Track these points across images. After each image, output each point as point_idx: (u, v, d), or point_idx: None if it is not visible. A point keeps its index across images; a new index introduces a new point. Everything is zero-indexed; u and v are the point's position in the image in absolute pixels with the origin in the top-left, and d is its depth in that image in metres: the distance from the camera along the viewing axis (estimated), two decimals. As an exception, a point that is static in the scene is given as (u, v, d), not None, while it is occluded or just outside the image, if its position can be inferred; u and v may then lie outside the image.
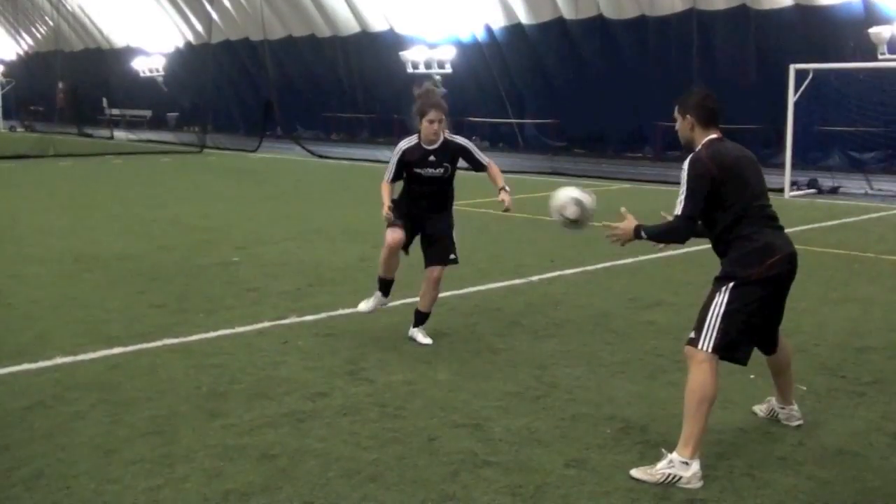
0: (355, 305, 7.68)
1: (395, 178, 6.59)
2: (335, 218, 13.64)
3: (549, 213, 5.27)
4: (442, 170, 6.53)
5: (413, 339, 6.66)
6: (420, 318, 6.70)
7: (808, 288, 8.10)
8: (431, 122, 6.41)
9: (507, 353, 6.39)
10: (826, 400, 5.44)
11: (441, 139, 6.50)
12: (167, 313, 7.46)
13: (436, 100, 6.52)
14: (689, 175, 4.38)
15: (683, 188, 4.39)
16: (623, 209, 4.80)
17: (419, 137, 6.53)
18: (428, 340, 6.61)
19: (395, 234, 6.43)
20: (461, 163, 6.60)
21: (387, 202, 6.45)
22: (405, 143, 6.56)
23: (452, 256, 6.65)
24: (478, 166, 6.68)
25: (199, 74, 37.10)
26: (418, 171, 6.50)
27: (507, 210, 6.55)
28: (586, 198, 5.17)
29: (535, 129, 30.18)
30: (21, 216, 13.52)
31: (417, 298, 6.71)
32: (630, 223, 4.67)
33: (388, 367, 6.05)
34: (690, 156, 4.44)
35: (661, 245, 4.92)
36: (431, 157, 6.50)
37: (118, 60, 45.37)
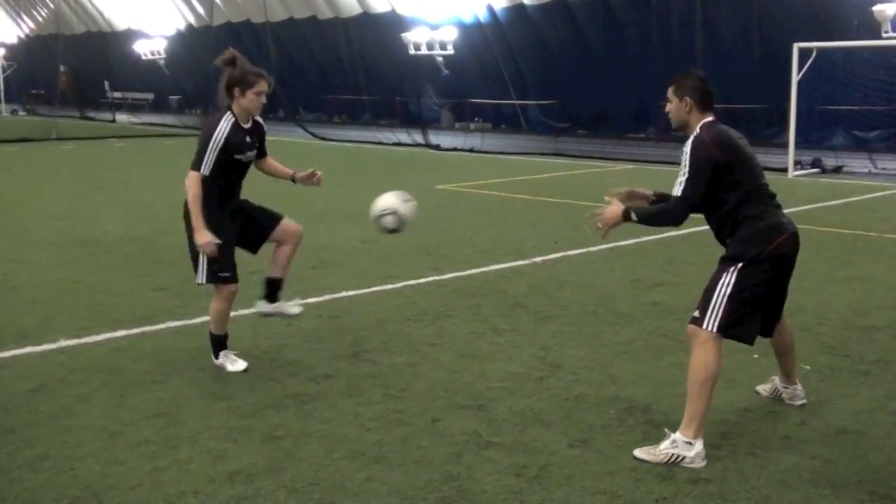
0: (358, 287, 7.73)
1: (214, 171, 5.34)
2: (337, 200, 13.63)
3: (370, 215, 5.13)
4: (254, 152, 5.59)
5: (279, 314, 5.88)
6: (276, 288, 5.84)
7: (812, 267, 8.09)
8: (260, 93, 5.35)
9: (511, 335, 6.39)
10: (829, 379, 5.44)
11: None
12: (170, 296, 7.46)
13: (259, 67, 5.45)
14: (692, 158, 4.30)
15: (685, 170, 4.31)
16: (608, 195, 4.71)
17: (234, 115, 5.38)
18: (298, 309, 5.90)
19: (233, 287, 5.55)
20: None
21: (202, 219, 5.25)
22: (225, 124, 5.32)
23: (278, 213, 5.83)
24: (263, 153, 5.76)
25: (201, 57, 36.98)
26: (239, 156, 5.44)
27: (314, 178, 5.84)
28: (404, 208, 5.07)
29: (537, 111, 30.10)
30: (24, 200, 13.52)
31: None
32: (617, 206, 4.55)
33: (392, 348, 6.06)
34: (692, 138, 4.37)
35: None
36: (248, 139, 5.48)
37: (119, 43, 45.25)
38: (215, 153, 5.31)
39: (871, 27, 19.36)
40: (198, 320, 6.70)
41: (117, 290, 7.70)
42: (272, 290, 5.87)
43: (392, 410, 4.90)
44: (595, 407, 4.96)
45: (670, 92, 4.53)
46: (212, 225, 5.31)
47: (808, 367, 5.51)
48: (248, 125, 5.48)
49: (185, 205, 5.38)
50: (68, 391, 5.18)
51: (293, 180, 5.94)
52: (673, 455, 4.20)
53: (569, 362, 5.75)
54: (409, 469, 4.16)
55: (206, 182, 5.32)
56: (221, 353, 5.62)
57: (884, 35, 18.51)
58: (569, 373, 5.54)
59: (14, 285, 7.90)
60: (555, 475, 4.10)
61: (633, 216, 4.49)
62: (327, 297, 7.46)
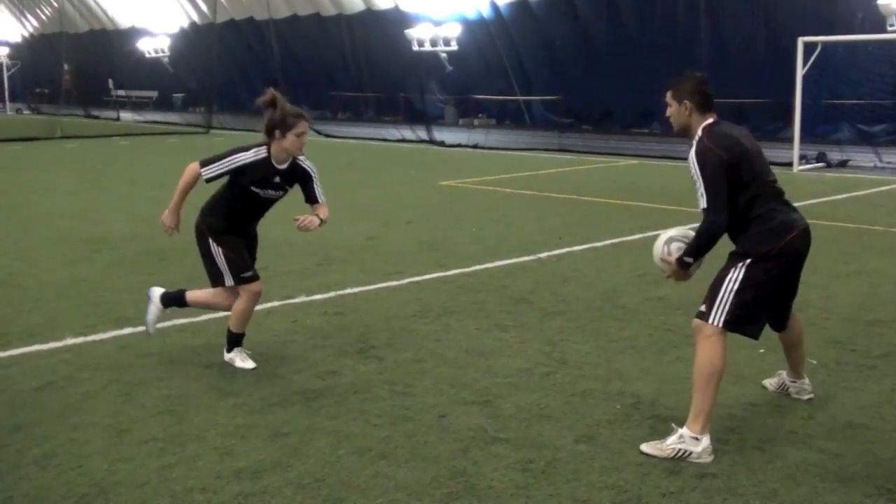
0: (364, 284, 7.73)
1: (212, 180, 5.53)
2: (342, 197, 13.62)
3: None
4: (282, 192, 5.61)
5: (234, 365, 5.60)
6: (236, 340, 5.66)
7: (818, 262, 8.06)
8: (300, 135, 5.38)
9: (516, 330, 6.39)
10: (836, 373, 5.43)
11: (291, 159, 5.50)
12: (176, 294, 7.46)
13: (301, 109, 5.52)
14: (701, 168, 4.25)
15: (700, 182, 4.24)
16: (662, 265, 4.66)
17: (268, 152, 5.43)
18: (251, 364, 5.57)
19: (259, 286, 5.59)
20: None
21: (177, 204, 5.61)
22: (251, 156, 5.43)
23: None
24: (312, 199, 5.75)
25: (205, 55, 36.99)
26: (256, 190, 5.49)
27: (304, 228, 5.60)
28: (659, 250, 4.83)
29: (541, 106, 30.07)
30: (29, 198, 13.54)
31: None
32: (671, 260, 4.51)
33: (397, 345, 6.06)
34: (695, 146, 4.33)
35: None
36: (277, 179, 5.50)
37: (123, 41, 45.32)
38: (225, 168, 5.49)
39: (877, 21, 19.33)
40: (203, 318, 6.70)
41: (123, 287, 7.71)
42: (232, 339, 5.70)
43: (398, 406, 4.90)
44: (601, 402, 4.96)
45: (669, 96, 4.50)
46: (229, 231, 5.60)
47: (815, 362, 5.50)
48: (282, 166, 5.50)
49: (197, 225, 5.67)
50: (75, 389, 5.19)
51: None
52: (680, 450, 4.20)
53: (574, 358, 5.75)
54: (415, 465, 4.16)
55: (227, 202, 5.64)
56: (235, 349, 5.64)
57: (889, 29, 18.50)
58: (574, 368, 5.54)
59: (20, 284, 7.91)
60: (561, 470, 4.10)
61: (687, 259, 4.41)
62: (332, 293, 7.46)
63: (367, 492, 3.90)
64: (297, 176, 5.62)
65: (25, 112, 42.05)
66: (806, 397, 4.96)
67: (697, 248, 4.38)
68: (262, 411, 4.84)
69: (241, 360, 5.61)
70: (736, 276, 4.29)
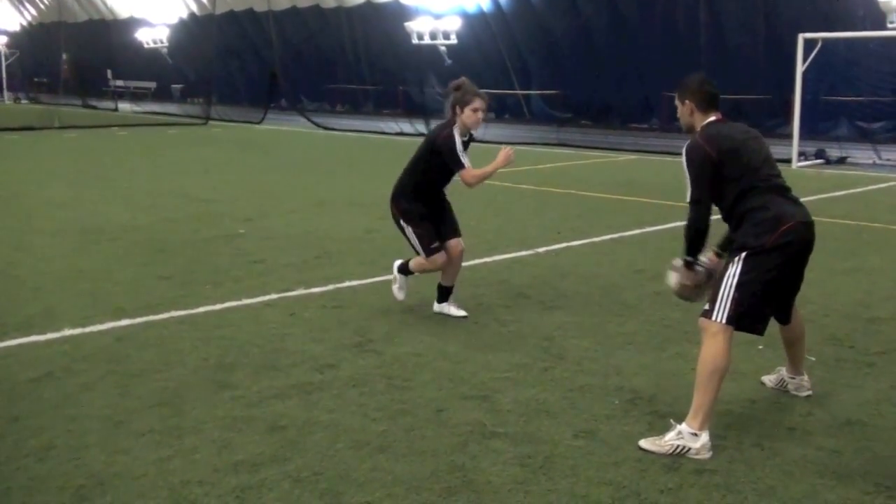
0: (362, 277, 7.72)
1: (433, 168, 6.39)
2: (341, 190, 13.62)
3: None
4: (467, 160, 6.38)
5: (445, 314, 6.58)
6: (447, 293, 6.63)
7: (817, 258, 8.00)
8: (476, 110, 6.26)
9: (515, 325, 6.39)
10: (835, 370, 5.43)
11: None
12: (174, 285, 7.46)
13: (478, 89, 6.38)
14: (688, 163, 4.49)
15: (687, 175, 4.48)
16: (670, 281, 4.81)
17: (453, 127, 6.30)
18: (463, 312, 6.56)
19: (443, 257, 6.39)
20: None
21: (490, 168, 6.24)
22: (457, 133, 6.28)
23: (458, 229, 6.60)
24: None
25: (204, 46, 36.94)
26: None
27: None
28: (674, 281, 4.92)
29: (541, 101, 30.03)
30: (26, 188, 13.52)
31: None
32: (675, 277, 4.76)
33: (396, 338, 6.05)
34: (687, 143, 4.55)
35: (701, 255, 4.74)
36: (462, 149, 6.35)
37: (122, 31, 45.17)
38: (461, 152, 6.25)
39: (877, 18, 19.29)
40: (201, 310, 6.70)
41: (121, 279, 7.69)
42: (442, 293, 6.66)
43: (396, 400, 4.89)
44: (600, 397, 4.95)
45: (676, 97, 4.71)
46: (417, 208, 6.42)
47: (814, 359, 5.50)
48: (464, 138, 6.36)
49: (391, 209, 6.51)
50: (73, 380, 5.18)
51: None
52: (678, 446, 4.19)
53: (573, 353, 5.74)
54: (413, 459, 4.15)
55: (421, 177, 6.42)
56: (445, 302, 6.61)
57: (889, 26, 18.45)
58: (573, 363, 5.54)
59: (17, 274, 7.90)
60: (560, 466, 4.09)
61: (688, 257, 4.66)
62: (331, 286, 7.45)
63: (365, 485, 3.89)
64: (469, 142, 6.46)
65: (24, 101, 41.93)
66: (805, 394, 4.96)
67: (687, 244, 4.62)
68: (260, 404, 4.83)
69: (455, 309, 6.57)
70: (734, 271, 4.30)
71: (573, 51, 27.72)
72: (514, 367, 5.46)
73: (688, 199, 4.49)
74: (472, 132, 6.46)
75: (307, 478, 3.96)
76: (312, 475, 3.98)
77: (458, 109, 6.31)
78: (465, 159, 6.24)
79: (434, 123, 26.43)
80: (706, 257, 4.74)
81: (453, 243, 6.48)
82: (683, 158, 4.51)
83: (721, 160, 4.38)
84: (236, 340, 5.95)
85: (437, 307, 6.65)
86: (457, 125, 6.32)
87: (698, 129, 4.55)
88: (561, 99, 28.89)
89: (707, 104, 4.58)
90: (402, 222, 6.46)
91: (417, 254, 6.50)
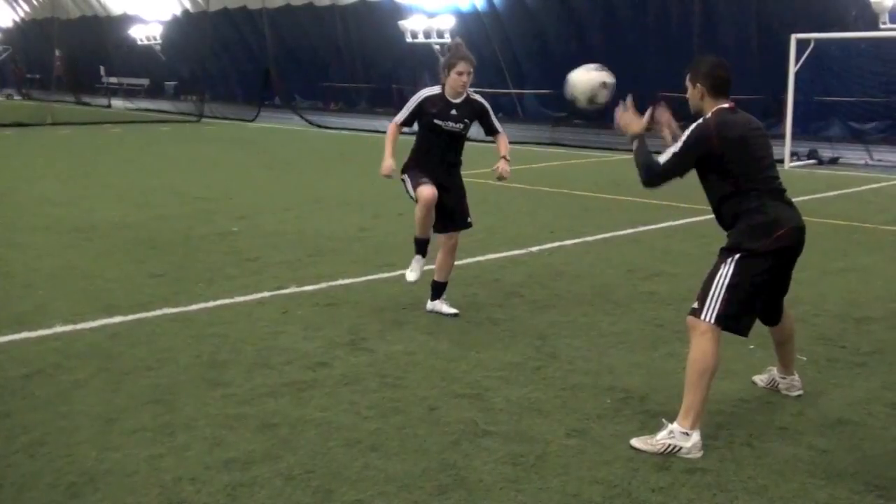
0: (355, 275, 7.72)
1: (406, 122, 6.50)
2: (334, 188, 13.61)
3: (573, 95, 5.16)
4: (462, 125, 6.45)
5: (436, 312, 6.57)
6: (439, 290, 6.63)
7: (808, 258, 8.04)
8: (460, 73, 6.33)
9: (507, 324, 6.39)
10: (826, 370, 5.45)
11: (465, 95, 6.45)
12: (167, 283, 7.45)
13: (465, 52, 6.43)
14: (689, 134, 4.38)
15: (679, 143, 4.41)
16: (629, 104, 4.87)
17: (443, 89, 6.45)
18: (454, 310, 6.56)
19: (429, 190, 6.31)
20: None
21: (389, 150, 6.42)
22: (427, 91, 6.49)
23: (469, 220, 6.63)
24: (491, 130, 6.71)
25: (197, 43, 36.85)
26: (438, 122, 6.39)
27: (500, 178, 6.66)
28: (609, 78, 5.01)
29: (534, 100, 30.00)
30: (19, 185, 13.48)
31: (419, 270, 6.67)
32: (637, 125, 4.74)
33: (389, 337, 6.05)
34: (698, 121, 4.43)
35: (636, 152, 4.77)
36: (454, 111, 6.42)
37: (115, 28, 45.01)
38: (411, 108, 6.44)
39: (869, 18, 19.34)
40: (194, 307, 6.69)
41: (113, 276, 7.68)
42: (435, 290, 6.65)
43: (389, 399, 4.90)
44: (592, 396, 4.96)
45: (687, 78, 4.59)
46: (412, 163, 6.51)
47: (805, 359, 5.51)
48: (456, 100, 6.43)
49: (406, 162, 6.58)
50: (64, 377, 5.17)
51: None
52: (670, 445, 4.20)
53: (565, 352, 5.75)
54: (406, 457, 4.15)
55: (417, 139, 6.57)
56: (416, 257, 6.62)
57: (881, 26, 18.50)
58: (565, 362, 5.54)
59: (9, 271, 7.88)
60: (551, 464, 4.10)
61: (634, 145, 4.63)
62: (324, 284, 7.45)
63: (357, 484, 3.89)
64: (476, 110, 6.55)
65: (16, 98, 41.78)
66: (795, 394, 4.97)
67: (638, 160, 4.66)
68: (253, 402, 4.82)
69: (446, 307, 6.59)
70: (726, 272, 4.31)
71: (567, 49, 27.69)
72: (507, 365, 5.47)
73: (662, 160, 4.43)
74: (479, 99, 6.55)
75: (299, 476, 3.96)
76: (304, 473, 3.98)
77: (445, 72, 6.41)
78: (402, 115, 6.44)
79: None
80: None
81: (443, 237, 6.52)
82: (688, 129, 4.40)
83: (722, 151, 4.31)
84: (229, 338, 5.95)
85: (429, 305, 6.65)
86: (446, 88, 6.42)
87: (708, 114, 4.44)
88: (554, 98, 28.85)
89: (718, 90, 4.47)
90: (403, 178, 6.54)
91: (414, 202, 6.48)
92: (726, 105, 4.48)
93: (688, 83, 4.57)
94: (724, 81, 4.49)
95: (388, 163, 6.43)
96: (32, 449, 4.21)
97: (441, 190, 6.39)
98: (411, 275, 6.70)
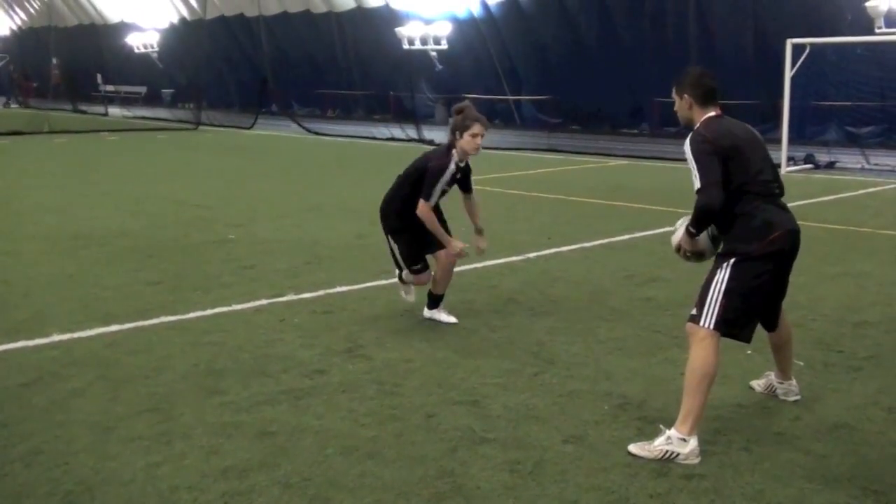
0: (352, 283, 7.72)
1: (436, 201, 6.30)
2: (331, 195, 13.61)
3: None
4: (454, 186, 6.44)
5: (435, 320, 6.56)
6: (438, 300, 6.62)
7: (805, 263, 8.07)
8: (476, 135, 6.18)
9: (505, 330, 6.39)
10: (823, 375, 5.45)
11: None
12: (164, 291, 7.45)
13: (479, 113, 6.31)
14: (694, 152, 4.34)
15: (693, 165, 4.33)
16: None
17: (450, 154, 6.27)
18: (453, 319, 6.55)
19: (426, 277, 6.46)
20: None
21: (445, 233, 6.32)
22: (450, 163, 6.25)
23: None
24: (467, 189, 6.63)
25: (194, 51, 36.90)
26: (446, 188, 6.34)
27: (480, 252, 6.73)
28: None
29: (531, 106, 30.06)
30: (16, 193, 13.48)
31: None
32: (680, 232, 4.61)
33: (386, 344, 6.05)
34: (690, 135, 4.42)
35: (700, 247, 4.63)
36: (458, 175, 6.37)
37: (112, 36, 45.09)
38: (441, 186, 6.25)
39: (865, 23, 19.37)
40: (191, 315, 6.69)
41: (110, 284, 7.67)
42: (432, 299, 6.65)
43: (386, 406, 4.89)
44: (589, 403, 4.96)
45: (674, 91, 4.59)
46: (404, 228, 6.36)
47: (802, 363, 5.52)
48: (462, 164, 6.36)
49: (383, 207, 6.45)
50: (61, 386, 5.17)
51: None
52: (667, 451, 4.20)
53: (563, 358, 5.75)
54: (403, 465, 4.15)
55: (409, 195, 6.28)
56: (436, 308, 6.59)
57: (877, 31, 18.52)
58: (563, 369, 5.54)
59: (6, 279, 7.87)
60: (549, 471, 4.10)
61: (691, 228, 4.46)
62: (321, 292, 7.45)
63: (354, 491, 3.89)
64: (467, 171, 6.49)
65: (13, 106, 41.79)
66: (793, 398, 4.97)
67: (696, 221, 4.41)
68: (250, 410, 4.82)
69: (445, 315, 6.56)
70: (722, 277, 4.31)
71: (563, 56, 27.76)
72: (504, 372, 5.47)
73: (696, 188, 4.30)
74: (468, 160, 6.43)
75: (296, 484, 3.95)
76: (301, 481, 3.98)
77: (457, 134, 6.24)
78: (434, 196, 6.18)
79: (425, 129, 26.52)
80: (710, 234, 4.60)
81: (443, 254, 6.42)
82: (688, 150, 4.36)
83: (724, 155, 4.31)
84: (226, 346, 5.95)
85: (427, 313, 6.65)
86: (456, 150, 6.28)
87: (698, 123, 4.46)
88: (551, 104, 28.92)
89: (706, 98, 4.48)
90: (389, 238, 6.48)
91: (398, 269, 6.53)
92: (714, 113, 4.50)
93: (675, 95, 4.58)
94: (711, 90, 4.51)
95: (457, 244, 6.32)
96: (29, 458, 4.20)
97: (424, 232, 6.33)
98: (409, 297, 6.75)
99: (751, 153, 4.42)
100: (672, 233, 4.74)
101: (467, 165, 6.45)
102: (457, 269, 7.86)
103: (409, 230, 6.35)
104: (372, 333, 6.28)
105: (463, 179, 6.49)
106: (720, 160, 4.30)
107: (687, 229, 4.50)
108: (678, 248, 4.66)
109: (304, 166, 18.81)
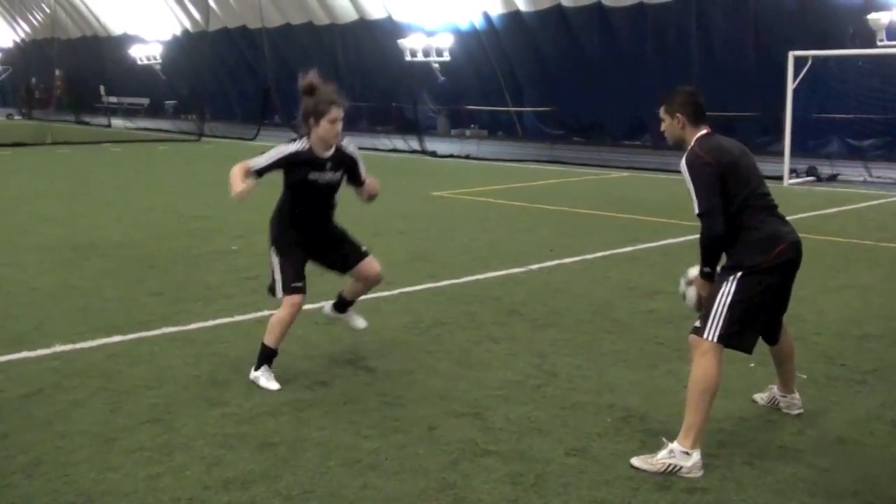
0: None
1: (262, 173, 5.36)
2: (334, 206, 13.59)
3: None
4: (339, 175, 5.53)
5: (340, 320, 6.10)
6: (347, 305, 6.06)
7: (808, 276, 8.07)
8: (334, 121, 5.27)
9: (507, 342, 6.38)
10: (826, 388, 5.44)
11: (335, 146, 5.46)
12: (166, 302, 7.44)
13: (336, 94, 5.39)
14: (692, 174, 4.35)
15: (691, 187, 4.34)
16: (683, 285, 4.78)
17: (309, 143, 5.36)
18: (364, 324, 6.05)
19: (297, 299, 5.45)
20: None
21: (241, 182, 5.24)
22: (295, 147, 5.38)
23: (364, 248, 5.83)
24: (358, 182, 5.74)
25: (197, 62, 36.99)
26: (314, 177, 5.40)
27: (371, 197, 5.87)
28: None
29: (533, 118, 30.11)
30: (19, 204, 13.49)
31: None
32: (692, 296, 4.66)
33: (388, 356, 6.04)
34: (685, 156, 4.44)
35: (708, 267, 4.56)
36: (329, 164, 5.43)
37: (115, 48, 45.22)
38: (274, 159, 5.36)
39: (867, 36, 19.43)
40: (193, 326, 6.68)
41: (112, 295, 7.67)
42: (342, 304, 6.08)
43: (388, 418, 4.88)
44: (592, 415, 4.95)
45: (662, 111, 4.60)
46: (283, 237, 5.53)
47: (805, 376, 5.50)
48: (327, 154, 5.43)
49: (271, 221, 5.63)
50: (63, 397, 5.16)
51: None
52: (670, 464, 4.19)
53: (565, 370, 5.74)
54: (405, 477, 4.14)
55: (287, 202, 5.52)
56: (263, 367, 5.40)
57: (879, 43, 18.59)
58: (565, 381, 5.53)
59: (8, 290, 7.87)
60: (551, 483, 4.08)
61: (705, 269, 4.47)
62: (323, 303, 7.41)
63: (356, 503, 3.88)
64: (346, 161, 5.55)
65: (17, 118, 41.88)
66: (796, 412, 4.96)
67: (702, 256, 4.44)
68: (252, 421, 4.81)
69: (265, 380, 5.36)
70: (728, 290, 4.31)
71: (566, 68, 27.81)
72: (506, 384, 5.46)
73: (697, 212, 4.33)
74: (351, 148, 5.61)
75: (298, 496, 3.94)
76: (303, 493, 3.97)
77: (311, 121, 5.31)
78: (260, 165, 5.33)
79: (427, 140, 26.57)
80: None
81: (366, 265, 5.75)
82: (685, 171, 4.38)
83: (722, 172, 4.32)
84: (228, 357, 5.94)
85: (331, 313, 6.13)
86: (310, 140, 5.38)
87: (691, 142, 4.46)
88: (553, 116, 28.97)
89: (698, 116, 4.50)
90: (270, 249, 5.60)
91: (272, 289, 5.55)
92: (706, 131, 4.51)
93: (664, 115, 4.57)
94: (701, 108, 4.53)
95: (243, 183, 5.30)
96: (30, 469, 4.19)
97: (318, 243, 5.65)
98: (360, 322, 6.07)
99: (746, 168, 4.44)
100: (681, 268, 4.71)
101: (344, 153, 5.52)
102: (459, 280, 7.87)
103: (297, 239, 5.56)
104: (374, 345, 6.27)
105: (347, 173, 5.59)
106: (720, 179, 4.31)
107: (701, 272, 4.49)
108: (698, 304, 4.61)
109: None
